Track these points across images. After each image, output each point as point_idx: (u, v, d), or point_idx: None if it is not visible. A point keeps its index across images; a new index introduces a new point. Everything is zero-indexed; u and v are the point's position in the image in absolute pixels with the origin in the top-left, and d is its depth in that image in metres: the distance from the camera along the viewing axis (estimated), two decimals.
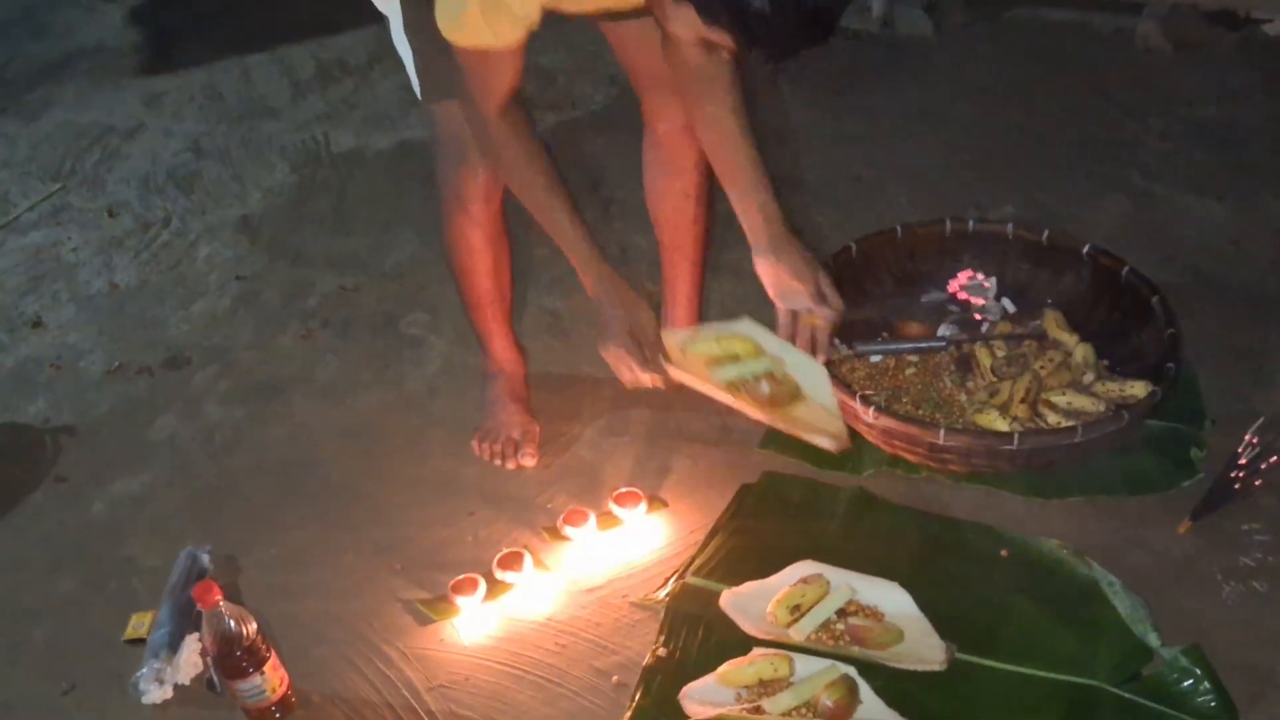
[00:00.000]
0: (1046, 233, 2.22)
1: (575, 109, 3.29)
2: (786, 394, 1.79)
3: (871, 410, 1.87)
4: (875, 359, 2.15)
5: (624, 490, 1.99)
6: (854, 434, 2.00)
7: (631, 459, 2.12)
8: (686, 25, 1.43)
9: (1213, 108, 2.96)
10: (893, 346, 2.16)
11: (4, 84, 4.04)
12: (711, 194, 2.04)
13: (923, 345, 2.14)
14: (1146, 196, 2.68)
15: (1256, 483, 1.83)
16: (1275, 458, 1.83)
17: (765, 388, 1.77)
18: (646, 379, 1.76)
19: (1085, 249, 2.17)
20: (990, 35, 3.49)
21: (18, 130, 3.67)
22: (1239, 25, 3.21)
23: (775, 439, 2.11)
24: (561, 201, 1.72)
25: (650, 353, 1.74)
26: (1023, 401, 1.95)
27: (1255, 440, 1.83)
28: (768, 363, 1.79)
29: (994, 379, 2.04)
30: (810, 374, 1.81)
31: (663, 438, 2.16)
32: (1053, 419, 1.93)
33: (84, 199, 3.23)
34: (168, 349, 2.57)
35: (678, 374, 1.76)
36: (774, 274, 1.82)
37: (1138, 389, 1.93)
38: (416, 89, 1.87)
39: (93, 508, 2.16)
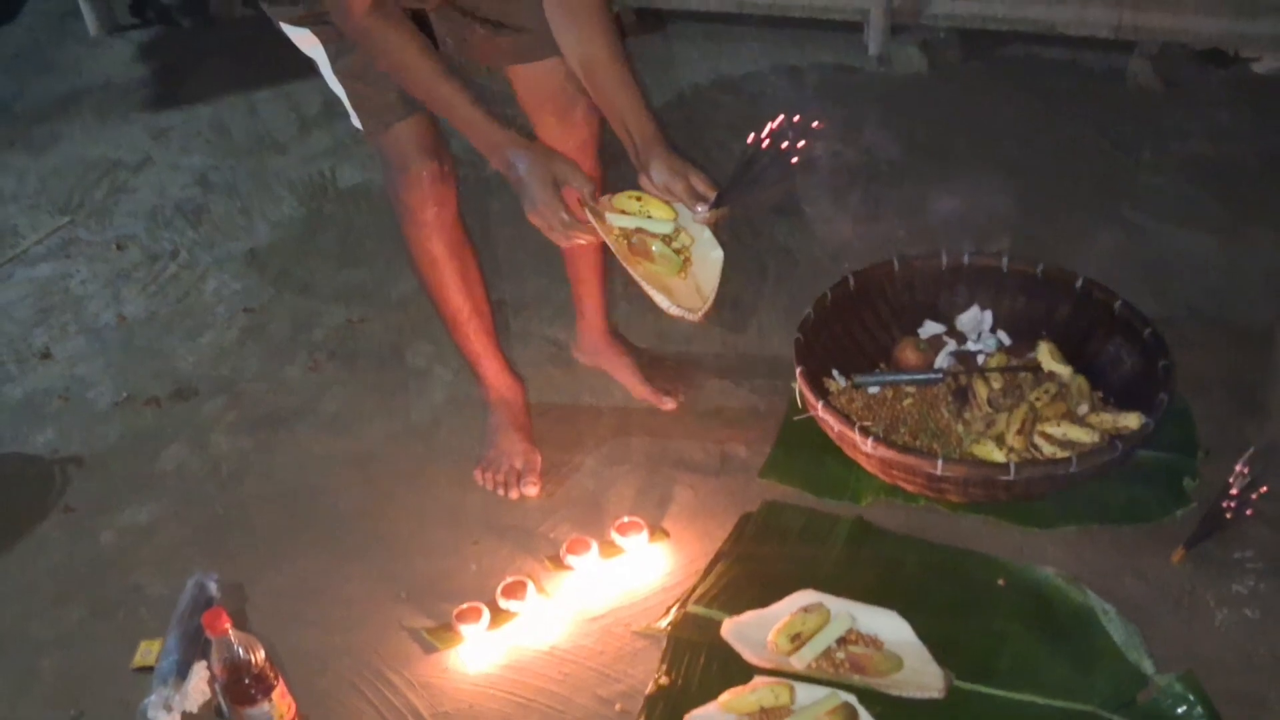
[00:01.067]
0: (1041, 266, 2.26)
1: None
2: (673, 263, 1.78)
3: (870, 440, 1.90)
4: (873, 390, 2.18)
5: (626, 519, 2.01)
6: (851, 462, 2.04)
7: (633, 488, 2.15)
8: None
9: (1204, 144, 3.01)
10: (890, 378, 2.19)
11: (13, 118, 4.10)
12: None
13: (920, 377, 2.18)
14: (1140, 230, 2.72)
15: (1248, 512, 1.86)
16: (1265, 488, 1.86)
17: (655, 247, 1.77)
18: (578, 237, 1.72)
19: (1079, 282, 2.20)
20: (985, 72, 3.56)
21: (26, 164, 3.72)
22: (1228, 63, 3.28)
23: (775, 468, 2.14)
24: (447, 82, 1.68)
25: (585, 197, 1.71)
26: (1019, 433, 1.99)
27: (1246, 470, 1.86)
28: (670, 228, 1.79)
29: (990, 410, 2.08)
30: (708, 259, 1.80)
31: (664, 467, 2.19)
32: (1048, 450, 1.96)
33: (92, 232, 3.27)
34: (175, 380, 2.60)
35: (594, 223, 1.72)
36: (649, 185, 1.79)
37: (1131, 420, 1.96)
38: (356, 124, 1.94)
39: (100, 537, 2.18)
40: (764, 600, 1.84)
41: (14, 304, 2.96)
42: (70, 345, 2.77)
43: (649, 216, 1.78)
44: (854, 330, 2.30)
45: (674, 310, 1.72)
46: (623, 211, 1.78)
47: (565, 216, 1.68)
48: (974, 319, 2.32)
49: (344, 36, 1.79)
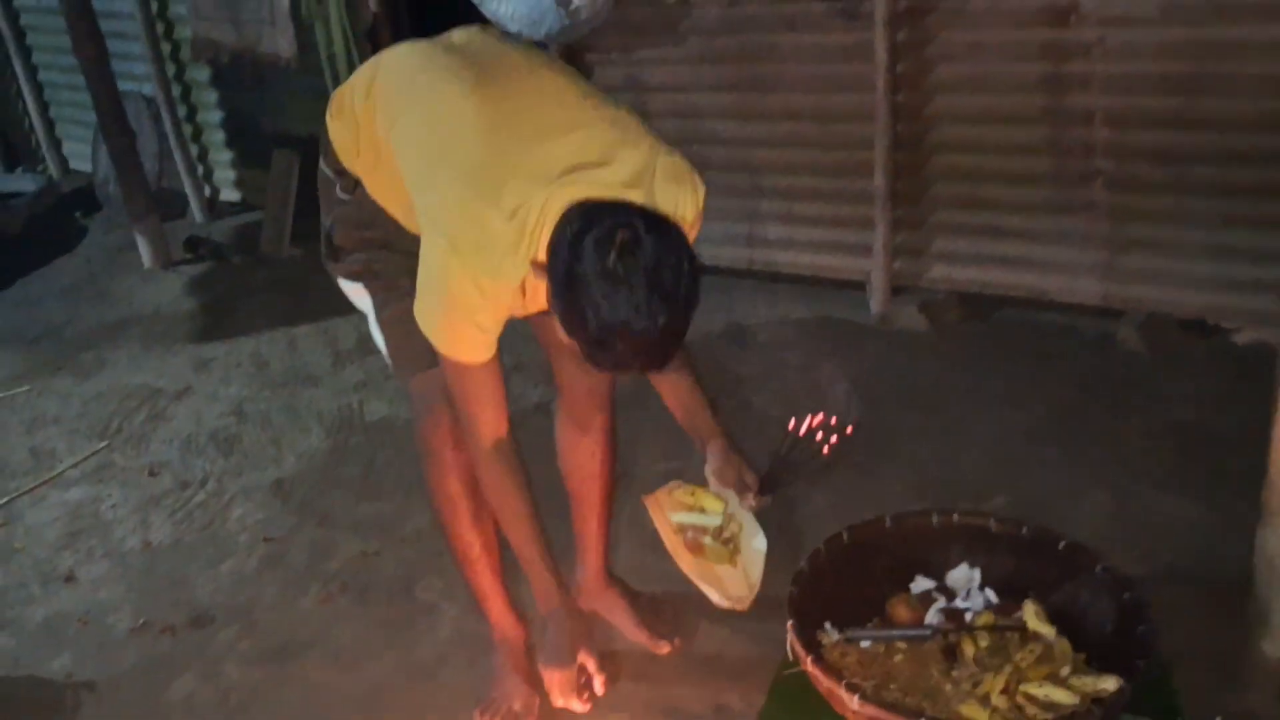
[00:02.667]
0: (1027, 527, 2.35)
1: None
2: (723, 553, 1.97)
3: (856, 698, 1.95)
4: (865, 644, 2.24)
5: None
6: (843, 718, 2.08)
7: None
8: None
9: (1189, 410, 3.13)
10: (882, 633, 2.25)
11: (62, 344, 4.34)
12: (614, 453, 2.33)
13: (910, 633, 2.24)
14: (1127, 493, 2.80)
15: None
16: None
17: (707, 541, 1.97)
18: (576, 704, 1.99)
19: (1061, 544, 2.29)
20: (982, 333, 3.73)
21: (70, 388, 3.92)
22: (1211, 333, 3.44)
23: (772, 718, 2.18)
24: (530, 527, 1.96)
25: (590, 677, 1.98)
26: (1003, 693, 2.03)
27: None
28: (720, 520, 1.99)
29: (977, 669, 2.13)
30: (753, 547, 2.00)
31: (659, 716, 2.22)
32: (1030, 711, 2.00)
33: (127, 458, 3.43)
34: (193, 608, 2.69)
35: (657, 522, 1.97)
36: (710, 479, 2.04)
37: (1110, 684, 2.01)
38: (392, 368, 2.18)
39: None
40: None
41: (44, 526, 3.09)
42: (95, 569, 2.88)
43: (702, 510, 2.01)
44: (847, 584, 2.37)
45: (724, 603, 1.95)
46: (681, 505, 2.01)
47: (575, 685, 1.98)
48: (963, 576, 2.39)
49: (389, 290, 2.05)
